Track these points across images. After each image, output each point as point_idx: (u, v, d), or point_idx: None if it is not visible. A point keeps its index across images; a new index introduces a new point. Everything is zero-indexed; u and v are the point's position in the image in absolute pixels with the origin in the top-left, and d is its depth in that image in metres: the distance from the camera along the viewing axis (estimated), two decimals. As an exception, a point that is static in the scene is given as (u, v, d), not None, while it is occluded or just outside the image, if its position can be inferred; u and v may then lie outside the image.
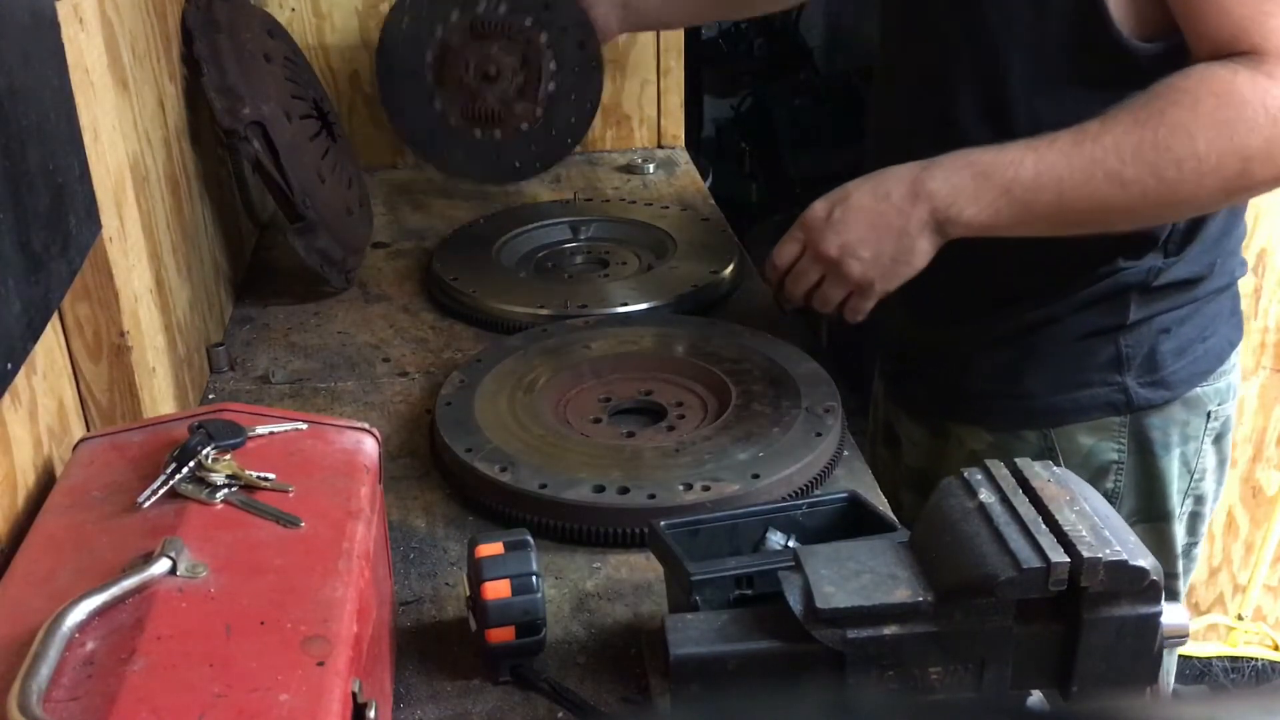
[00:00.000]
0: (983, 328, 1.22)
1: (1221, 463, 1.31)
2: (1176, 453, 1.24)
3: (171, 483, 0.75)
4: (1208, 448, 1.27)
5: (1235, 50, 1.00)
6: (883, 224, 1.09)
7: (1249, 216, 2.31)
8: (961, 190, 1.05)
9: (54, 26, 0.90)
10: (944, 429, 1.30)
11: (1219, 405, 1.25)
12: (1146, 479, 1.24)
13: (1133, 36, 1.07)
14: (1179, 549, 1.30)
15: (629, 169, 1.87)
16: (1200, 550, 1.36)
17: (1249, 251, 2.24)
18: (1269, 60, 0.99)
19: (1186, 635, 0.75)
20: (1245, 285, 2.25)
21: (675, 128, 1.97)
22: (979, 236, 1.08)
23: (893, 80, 1.29)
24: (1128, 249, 1.16)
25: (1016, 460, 0.79)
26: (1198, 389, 1.23)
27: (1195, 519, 1.31)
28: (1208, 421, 1.25)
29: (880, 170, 1.12)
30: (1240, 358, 1.29)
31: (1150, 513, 1.26)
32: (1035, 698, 0.76)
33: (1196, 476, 1.27)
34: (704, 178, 1.89)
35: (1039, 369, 1.22)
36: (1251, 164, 0.99)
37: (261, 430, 0.82)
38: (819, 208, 1.13)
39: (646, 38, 1.90)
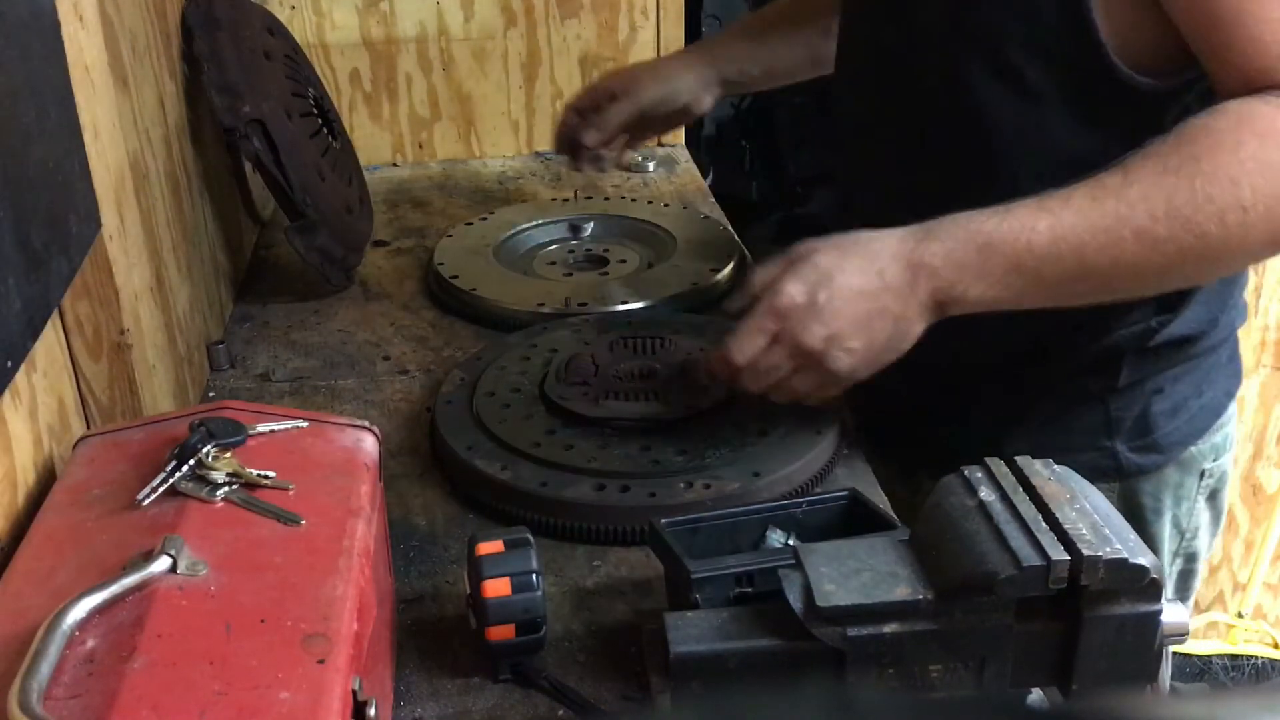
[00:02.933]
0: (960, 392, 1.12)
1: (1216, 517, 1.22)
2: (1168, 516, 1.16)
3: (172, 480, 0.75)
4: (1201, 505, 1.18)
5: (1270, 83, 0.89)
6: (877, 309, 0.93)
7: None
8: (965, 267, 0.91)
9: (54, 24, 0.90)
10: (915, 478, 1.19)
11: (1214, 462, 1.16)
12: None
13: (1127, 66, 0.96)
14: None
15: (629, 167, 1.87)
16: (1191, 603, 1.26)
17: (1249, 250, 2.24)
18: None
19: (1187, 633, 0.75)
20: (1246, 276, 2.25)
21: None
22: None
23: (868, 134, 1.17)
24: (1117, 309, 1.04)
25: (1017, 459, 0.79)
26: (1192, 448, 1.14)
27: (1186, 576, 1.23)
28: (1201, 480, 1.16)
29: (857, 239, 0.96)
30: (1236, 403, 1.20)
31: None
32: (1035, 695, 0.76)
33: (1188, 536, 1.19)
34: (704, 176, 1.89)
35: (1020, 433, 1.11)
36: None
37: (262, 428, 0.82)
38: (794, 291, 0.93)
39: (646, 34, 1.90)
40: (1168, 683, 0.76)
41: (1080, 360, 1.10)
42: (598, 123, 1.43)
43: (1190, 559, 1.22)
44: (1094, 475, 1.09)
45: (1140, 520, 1.14)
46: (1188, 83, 0.96)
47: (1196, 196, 0.87)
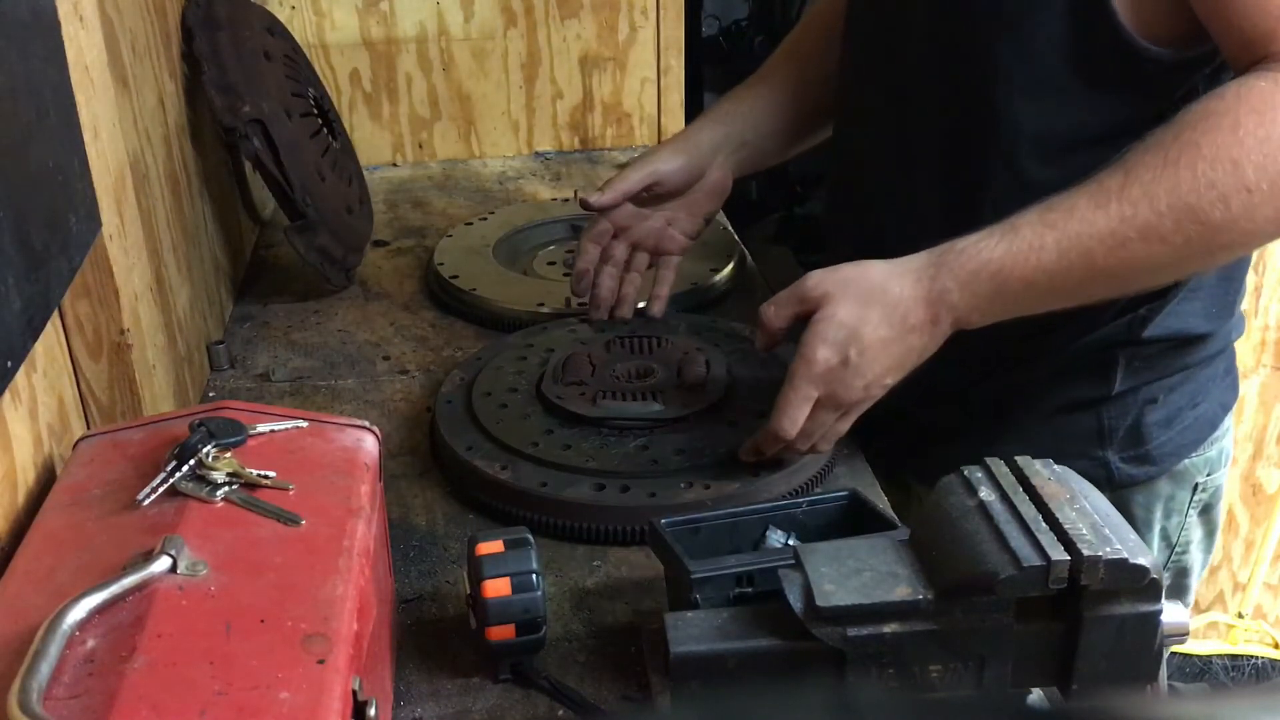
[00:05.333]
0: (953, 399, 1.10)
1: (1209, 533, 1.20)
2: (1158, 529, 1.15)
3: (172, 480, 0.75)
4: (1193, 520, 1.17)
5: (1273, 49, 0.88)
6: (905, 350, 0.95)
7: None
8: (981, 297, 0.92)
9: (54, 24, 0.90)
10: (904, 484, 1.19)
11: (1208, 476, 1.15)
12: None
13: (1140, 37, 0.95)
14: None
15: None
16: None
17: (1249, 249, 2.24)
18: None
19: (1187, 633, 0.75)
20: (1245, 284, 2.25)
21: (676, 125, 1.97)
22: None
23: (860, 98, 1.16)
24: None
25: (1017, 459, 0.79)
26: (1185, 461, 1.12)
27: (1177, 592, 1.21)
28: (1194, 494, 1.14)
29: (868, 280, 0.95)
30: (1233, 416, 1.18)
31: None
32: (1035, 695, 0.76)
33: (1179, 550, 1.18)
34: (704, 175, 1.88)
35: (1013, 440, 1.07)
36: None
37: (262, 428, 0.82)
38: (827, 354, 0.94)
39: (646, 33, 1.90)
40: (1165, 683, 0.76)
41: (1073, 362, 1.08)
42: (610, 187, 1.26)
43: (1182, 574, 1.20)
44: None
45: None
46: (1199, 57, 0.96)
47: (1199, 184, 0.85)
